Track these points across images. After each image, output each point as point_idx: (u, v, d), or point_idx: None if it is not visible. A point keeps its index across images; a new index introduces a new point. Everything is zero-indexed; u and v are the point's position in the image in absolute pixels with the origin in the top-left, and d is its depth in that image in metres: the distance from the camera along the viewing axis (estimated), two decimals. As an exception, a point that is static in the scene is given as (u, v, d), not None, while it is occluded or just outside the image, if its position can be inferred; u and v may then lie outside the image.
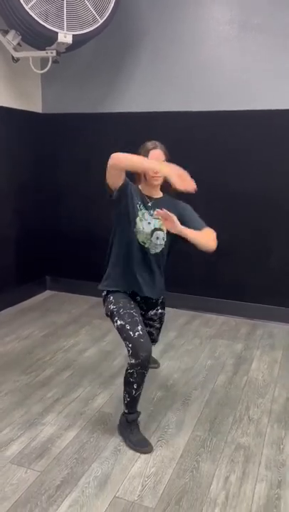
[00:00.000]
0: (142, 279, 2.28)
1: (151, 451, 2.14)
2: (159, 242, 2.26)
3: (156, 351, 3.09)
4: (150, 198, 2.30)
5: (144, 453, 2.13)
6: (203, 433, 2.30)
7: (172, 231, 2.09)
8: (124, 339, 2.11)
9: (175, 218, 2.01)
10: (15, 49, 3.48)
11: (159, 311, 2.49)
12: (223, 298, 3.90)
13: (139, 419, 2.24)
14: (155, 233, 2.24)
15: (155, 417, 2.42)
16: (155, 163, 2.12)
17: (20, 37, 3.38)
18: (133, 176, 2.30)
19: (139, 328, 2.10)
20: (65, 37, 3.17)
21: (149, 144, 2.25)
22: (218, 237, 2.27)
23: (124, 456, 2.11)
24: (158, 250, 2.28)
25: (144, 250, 2.25)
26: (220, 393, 2.68)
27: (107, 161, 2.07)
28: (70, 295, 4.34)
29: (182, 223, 2.09)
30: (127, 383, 2.13)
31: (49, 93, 4.15)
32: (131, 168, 2.14)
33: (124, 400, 2.18)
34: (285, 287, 3.70)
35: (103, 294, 2.35)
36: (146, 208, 2.26)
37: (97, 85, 3.97)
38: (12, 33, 3.38)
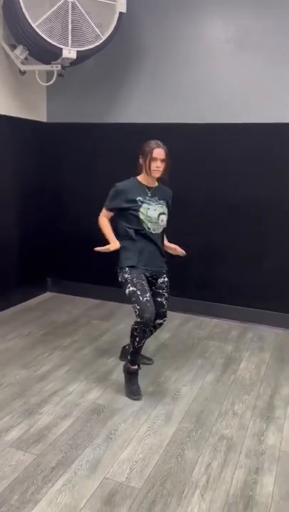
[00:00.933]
0: (151, 255, 2.76)
1: (140, 400, 2.66)
2: (162, 224, 2.78)
3: (149, 350, 3.27)
4: (149, 188, 2.75)
5: (134, 400, 2.65)
6: (190, 424, 2.46)
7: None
8: (134, 302, 2.57)
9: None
10: (22, 63, 3.70)
11: (166, 279, 2.86)
12: (216, 302, 4.07)
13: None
14: (160, 217, 2.75)
15: (146, 409, 2.58)
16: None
17: (27, 52, 3.59)
18: (134, 171, 2.73)
19: (148, 295, 2.58)
20: (69, 53, 3.37)
21: (153, 143, 2.68)
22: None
23: (116, 443, 2.28)
24: (160, 230, 2.80)
25: (149, 233, 2.73)
26: (208, 390, 2.84)
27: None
28: (70, 297, 4.52)
29: (168, 204, 2.85)
30: (132, 336, 2.61)
31: (53, 104, 4.36)
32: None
33: (129, 350, 2.71)
34: (275, 292, 3.87)
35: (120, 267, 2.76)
36: (149, 197, 2.73)
37: (99, 97, 4.17)
38: (20, 47, 3.60)
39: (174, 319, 3.94)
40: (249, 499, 1.94)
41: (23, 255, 4.30)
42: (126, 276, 2.67)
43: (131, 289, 2.60)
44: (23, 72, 3.78)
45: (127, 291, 2.63)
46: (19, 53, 3.62)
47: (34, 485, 1.96)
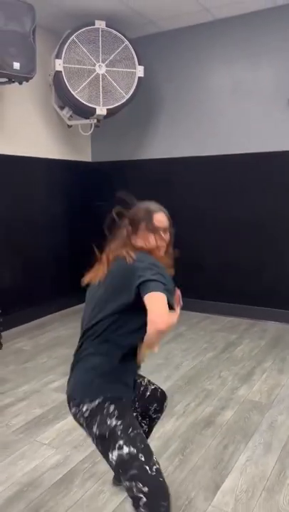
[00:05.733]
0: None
1: None
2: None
3: (166, 338, 4.11)
4: None
5: None
6: (182, 383, 3.28)
7: None
8: (135, 478, 1.48)
9: None
10: (69, 119, 4.83)
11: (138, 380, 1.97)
12: (230, 302, 4.85)
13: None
14: None
15: (152, 374, 3.41)
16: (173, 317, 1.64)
17: (71, 111, 4.72)
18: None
19: (155, 458, 1.54)
20: (101, 110, 4.44)
21: (153, 206, 1.87)
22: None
23: (124, 391, 3.15)
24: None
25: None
26: (205, 362, 3.64)
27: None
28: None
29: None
30: None
31: (96, 147, 5.49)
32: None
33: None
34: (277, 292, 4.58)
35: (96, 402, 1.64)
36: None
37: (130, 140, 5.23)
38: (66, 108, 4.74)
39: (193, 318, 4.75)
40: (209, 421, 2.73)
41: (68, 270, 5.34)
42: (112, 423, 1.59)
43: (128, 450, 1.54)
44: (70, 126, 4.91)
45: (116, 453, 1.55)
46: (66, 112, 4.76)
47: (36, 426, 2.89)
